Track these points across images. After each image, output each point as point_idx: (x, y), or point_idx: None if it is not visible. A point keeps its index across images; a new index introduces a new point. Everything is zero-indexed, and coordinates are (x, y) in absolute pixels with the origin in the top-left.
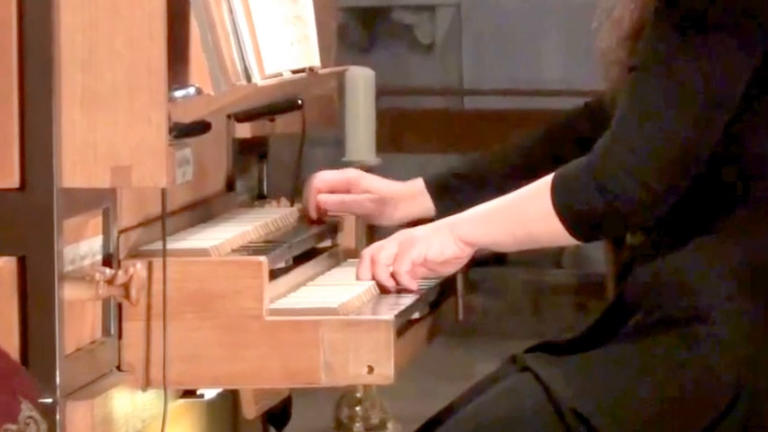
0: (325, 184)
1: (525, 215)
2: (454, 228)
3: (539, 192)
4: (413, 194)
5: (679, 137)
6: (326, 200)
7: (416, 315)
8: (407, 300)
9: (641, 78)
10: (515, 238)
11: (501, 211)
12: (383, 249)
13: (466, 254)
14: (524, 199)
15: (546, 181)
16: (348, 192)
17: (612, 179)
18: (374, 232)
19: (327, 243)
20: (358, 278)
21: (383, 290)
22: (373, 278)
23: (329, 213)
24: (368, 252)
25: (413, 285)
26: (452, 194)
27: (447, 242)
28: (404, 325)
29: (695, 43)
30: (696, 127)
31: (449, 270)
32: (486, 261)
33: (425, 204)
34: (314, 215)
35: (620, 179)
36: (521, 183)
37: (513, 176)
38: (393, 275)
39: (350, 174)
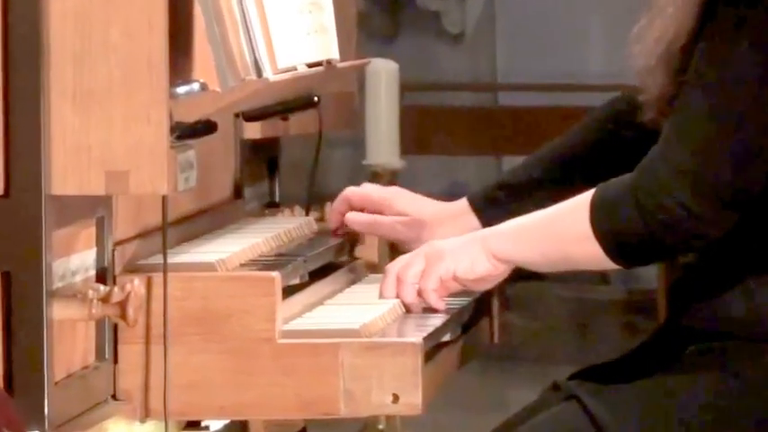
0: (358, 198)
1: (562, 236)
2: (487, 241)
3: (577, 210)
4: (454, 215)
5: (725, 162)
6: (355, 219)
7: (447, 337)
8: (437, 320)
9: (690, 97)
10: (550, 259)
11: (537, 228)
12: (410, 267)
13: (500, 271)
14: (561, 217)
15: (585, 198)
16: (380, 212)
17: (653, 200)
18: (398, 245)
19: (346, 257)
20: (381, 296)
21: (410, 309)
22: (398, 298)
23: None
24: (393, 269)
25: (440, 305)
26: (500, 209)
27: (478, 257)
28: (433, 348)
29: (747, 64)
30: (744, 152)
31: (484, 287)
32: (525, 276)
33: (470, 225)
34: (333, 226)
35: (660, 200)
36: (576, 187)
37: (568, 180)
38: (419, 293)
39: (388, 192)
